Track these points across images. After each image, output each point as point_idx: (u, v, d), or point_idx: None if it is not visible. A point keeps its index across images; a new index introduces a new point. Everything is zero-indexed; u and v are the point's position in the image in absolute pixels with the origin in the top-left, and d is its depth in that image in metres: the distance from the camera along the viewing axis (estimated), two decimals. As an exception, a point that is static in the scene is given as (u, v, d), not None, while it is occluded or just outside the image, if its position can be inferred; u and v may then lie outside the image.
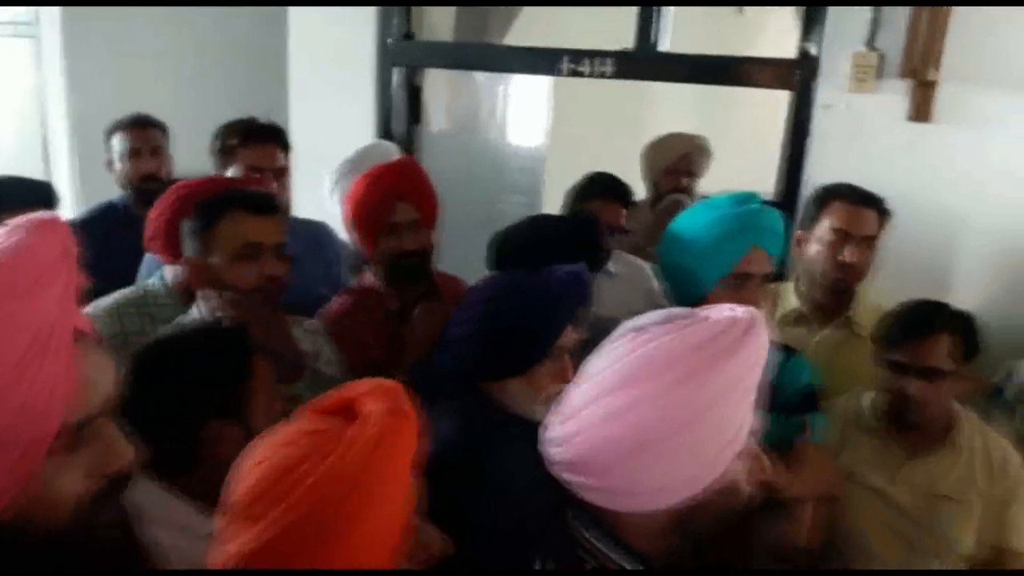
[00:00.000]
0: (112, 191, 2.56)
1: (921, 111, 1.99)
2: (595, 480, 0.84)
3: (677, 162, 2.96)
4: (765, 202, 1.59)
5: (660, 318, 0.88)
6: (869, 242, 1.91)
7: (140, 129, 2.53)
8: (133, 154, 2.48)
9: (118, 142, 2.51)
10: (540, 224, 1.90)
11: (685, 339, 0.83)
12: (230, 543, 0.80)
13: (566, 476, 0.87)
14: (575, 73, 2.61)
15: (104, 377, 0.67)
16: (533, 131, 3.63)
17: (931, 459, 1.69)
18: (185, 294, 1.78)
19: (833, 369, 1.89)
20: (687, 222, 1.60)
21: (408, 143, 3.04)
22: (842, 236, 1.91)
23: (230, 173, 2.22)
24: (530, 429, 0.98)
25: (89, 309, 1.78)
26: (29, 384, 0.58)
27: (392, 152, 2.60)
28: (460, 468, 1.26)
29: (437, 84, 3.15)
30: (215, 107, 2.61)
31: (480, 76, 3.32)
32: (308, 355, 1.77)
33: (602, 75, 2.56)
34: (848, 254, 1.89)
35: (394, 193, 1.89)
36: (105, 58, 3.68)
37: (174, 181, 1.98)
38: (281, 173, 2.28)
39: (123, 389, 1.20)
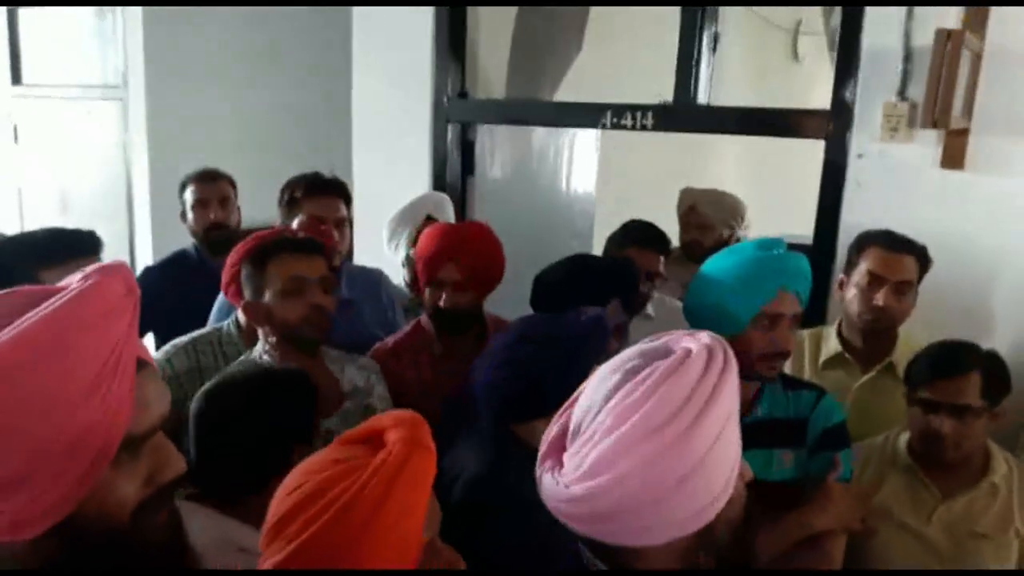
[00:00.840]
0: (186, 239, 2.76)
1: (953, 159, 2.04)
2: (594, 526, 0.90)
3: (684, 215, 3.07)
4: (790, 247, 1.65)
5: (646, 354, 0.93)
6: (904, 287, 1.95)
7: (209, 181, 2.71)
8: (202, 204, 2.66)
9: (189, 194, 2.70)
10: (577, 263, 1.97)
11: (675, 392, 0.87)
12: (266, 561, 0.92)
13: (580, 529, 0.92)
14: (618, 126, 2.73)
15: (160, 398, 0.76)
16: (582, 180, 3.76)
17: (967, 498, 1.70)
18: (252, 335, 1.93)
19: (874, 413, 1.94)
20: (714, 266, 1.67)
21: (462, 194, 3.20)
22: (877, 280, 1.96)
23: (295, 224, 2.40)
24: None
25: (168, 346, 1.96)
26: (99, 402, 0.67)
27: (442, 201, 2.76)
28: (487, 498, 1.34)
29: (490, 137, 3.32)
30: (285, 163, 2.82)
31: (530, 129, 3.48)
32: (360, 390, 1.90)
33: (644, 127, 2.68)
34: (881, 297, 1.94)
35: (445, 252, 1.99)
36: (184, 118, 3.99)
37: (242, 230, 2.15)
38: (341, 223, 2.42)
39: (202, 420, 1.35)
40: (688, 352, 0.91)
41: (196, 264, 2.67)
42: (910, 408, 1.72)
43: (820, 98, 2.94)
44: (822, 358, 2.10)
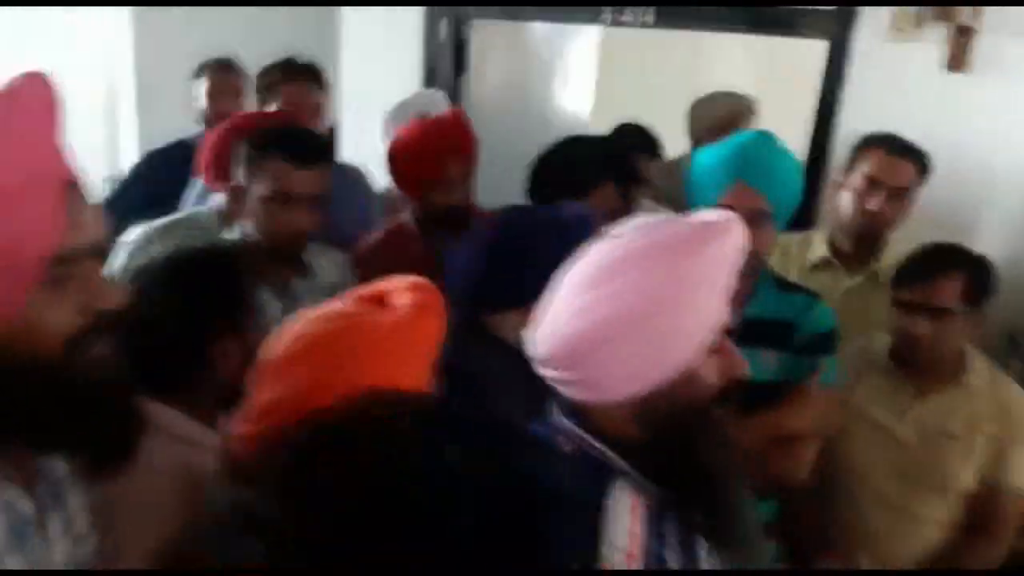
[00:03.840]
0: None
1: (958, 60, 1.97)
2: (568, 374, 0.90)
3: (721, 123, 2.96)
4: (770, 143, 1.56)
5: (638, 223, 0.93)
6: (900, 193, 1.91)
7: (223, 72, 2.67)
8: (219, 94, 2.62)
9: (202, 83, 2.65)
10: (567, 145, 1.90)
11: (654, 239, 0.88)
12: (256, 396, 0.91)
13: (544, 372, 0.94)
14: (618, 23, 2.64)
15: (90, 221, 0.72)
16: (580, 83, 3.66)
17: (939, 398, 1.71)
18: (228, 221, 1.88)
19: (858, 318, 1.91)
20: (694, 161, 1.63)
21: (454, 93, 3.11)
22: (873, 184, 1.91)
23: (271, 109, 2.33)
24: (521, 357, 1.01)
25: (143, 227, 1.92)
26: (17, 217, 0.64)
27: (440, 101, 2.68)
28: (448, 387, 1.34)
29: (484, 36, 3.21)
30: (269, 53, 2.73)
31: (527, 29, 3.36)
32: (337, 286, 1.87)
33: (644, 24, 2.58)
34: (875, 202, 1.90)
35: (448, 148, 1.92)
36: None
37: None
38: (316, 110, 2.37)
39: (136, 300, 1.27)
40: (684, 220, 0.91)
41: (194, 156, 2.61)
42: (891, 309, 1.70)
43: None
44: (809, 262, 2.07)
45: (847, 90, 2.17)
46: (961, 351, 1.73)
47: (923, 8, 1.99)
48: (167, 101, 3.15)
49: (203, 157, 1.94)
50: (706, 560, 0.94)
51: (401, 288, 0.95)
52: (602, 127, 2.86)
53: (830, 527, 1.77)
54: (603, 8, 2.65)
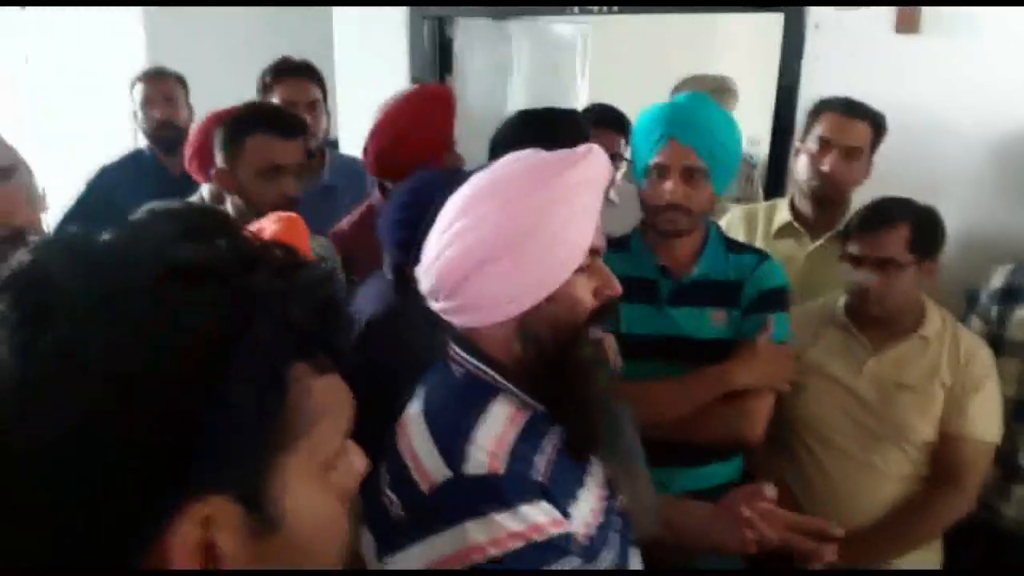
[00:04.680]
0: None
1: (908, 21, 2.01)
2: (450, 302, 0.96)
3: None
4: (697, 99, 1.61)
5: (508, 156, 0.99)
6: (854, 153, 1.95)
7: (155, 80, 2.74)
8: (149, 103, 2.70)
9: (137, 93, 2.73)
10: (520, 116, 1.96)
11: (517, 168, 0.95)
12: None
13: (432, 305, 1.00)
14: (586, 8, 2.70)
15: (31, 199, 0.78)
16: (566, 78, 3.73)
17: (895, 352, 1.73)
18: (221, 204, 1.96)
19: (821, 281, 1.94)
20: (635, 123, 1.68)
21: (440, 92, 3.20)
22: (827, 145, 1.95)
23: None
24: None
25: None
26: None
27: None
28: (384, 339, 1.41)
29: (470, 35, 3.29)
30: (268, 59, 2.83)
31: (511, 27, 3.44)
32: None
33: (611, 8, 2.64)
34: (828, 162, 1.94)
35: (453, 113, 2.00)
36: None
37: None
38: (313, 105, 2.45)
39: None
40: (543, 151, 0.97)
41: (151, 163, 2.72)
42: (842, 264, 1.74)
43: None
44: (773, 228, 2.11)
45: (805, 59, 2.21)
46: (918, 305, 1.75)
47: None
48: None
49: (189, 148, 2.04)
50: (590, 472, 1.00)
51: (272, 219, 1.02)
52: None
53: (791, 483, 1.80)
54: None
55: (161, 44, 3.92)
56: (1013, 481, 1.80)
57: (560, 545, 0.90)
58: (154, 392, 0.46)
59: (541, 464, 0.93)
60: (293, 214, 1.05)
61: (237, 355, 0.48)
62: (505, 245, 0.90)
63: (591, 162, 0.95)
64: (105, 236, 0.52)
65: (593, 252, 0.97)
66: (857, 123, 1.94)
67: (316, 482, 0.55)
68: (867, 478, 1.74)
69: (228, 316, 0.49)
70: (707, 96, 1.62)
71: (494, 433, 0.91)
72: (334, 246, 2.04)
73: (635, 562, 1.07)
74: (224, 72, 2.97)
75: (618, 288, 0.99)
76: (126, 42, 4.01)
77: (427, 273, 0.98)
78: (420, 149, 1.92)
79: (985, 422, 1.69)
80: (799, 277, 1.99)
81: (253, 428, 0.49)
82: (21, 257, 0.49)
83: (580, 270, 0.95)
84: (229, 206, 1.87)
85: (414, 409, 0.98)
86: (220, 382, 0.48)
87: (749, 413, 1.58)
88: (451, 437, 0.91)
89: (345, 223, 2.14)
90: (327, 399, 0.55)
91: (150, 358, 0.46)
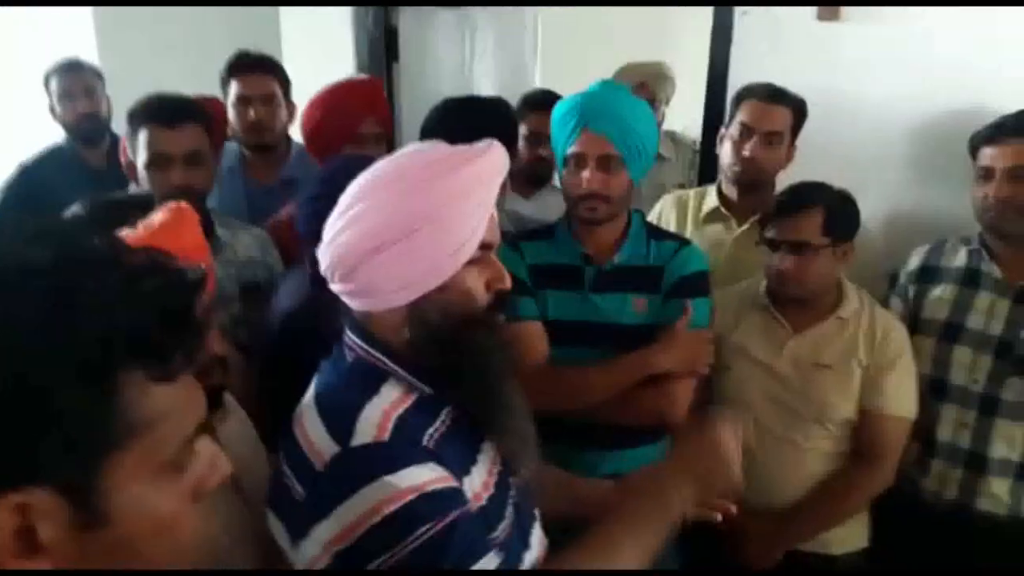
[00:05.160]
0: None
1: (829, 10, 2.05)
2: (345, 285, 0.98)
3: (634, 90, 3.05)
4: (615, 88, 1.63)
5: (411, 147, 1.01)
6: (774, 138, 1.98)
7: (71, 73, 2.68)
8: (68, 96, 2.65)
9: (54, 86, 2.67)
10: (446, 105, 1.97)
11: (416, 159, 0.97)
12: None
13: (331, 287, 1.02)
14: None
15: None
16: (515, 67, 3.74)
17: (814, 332, 1.77)
18: None
19: (747, 266, 1.97)
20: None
21: (388, 82, 3.20)
22: (747, 131, 1.99)
23: (229, 103, 2.41)
24: None
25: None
26: None
27: None
28: (300, 331, 1.43)
29: (420, 22, 3.30)
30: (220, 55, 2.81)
31: (457, 15, 3.45)
32: (255, 261, 1.97)
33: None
34: (748, 148, 1.98)
35: (360, 105, 2.00)
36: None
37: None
38: (269, 99, 2.41)
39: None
40: (443, 144, 0.99)
41: (71, 157, 2.68)
42: (761, 248, 1.78)
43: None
44: (702, 213, 2.15)
45: (733, 49, 2.25)
46: (836, 287, 1.79)
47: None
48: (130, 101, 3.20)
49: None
50: (483, 451, 1.03)
51: (161, 210, 1.04)
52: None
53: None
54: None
55: (111, 41, 3.87)
56: (931, 455, 1.86)
57: (454, 497, 0.93)
58: None
59: (429, 440, 0.96)
60: (182, 204, 1.05)
61: (53, 353, 0.51)
62: (398, 233, 0.93)
63: (489, 158, 0.97)
64: None
65: (485, 246, 0.99)
66: (777, 109, 1.99)
67: (154, 481, 0.57)
68: (791, 456, 1.79)
69: (48, 317, 0.51)
70: (620, 85, 1.65)
71: (380, 409, 0.94)
72: (270, 238, 2.05)
73: (535, 536, 1.10)
74: (176, 66, 2.95)
75: (508, 282, 1.02)
76: (77, 41, 3.97)
77: (324, 254, 1.00)
78: (328, 143, 1.97)
79: (901, 399, 1.74)
80: (727, 261, 2.04)
81: (75, 425, 0.52)
82: None
83: (472, 263, 0.98)
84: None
85: (308, 395, 1.00)
86: (36, 379, 0.50)
87: (671, 396, 1.61)
88: (339, 416, 0.93)
89: (283, 213, 2.14)
90: (166, 402, 0.57)
91: None
